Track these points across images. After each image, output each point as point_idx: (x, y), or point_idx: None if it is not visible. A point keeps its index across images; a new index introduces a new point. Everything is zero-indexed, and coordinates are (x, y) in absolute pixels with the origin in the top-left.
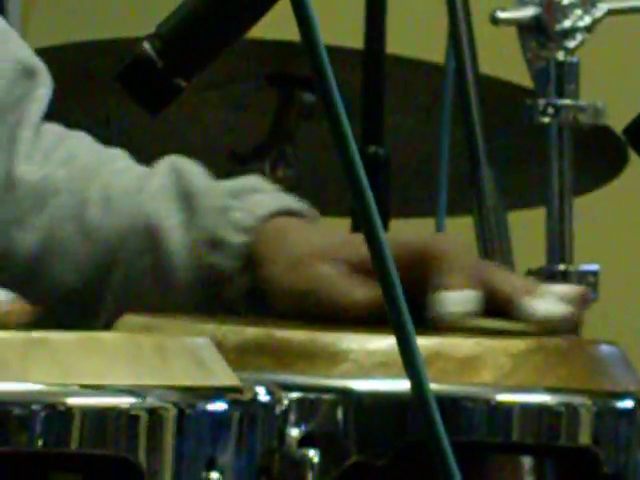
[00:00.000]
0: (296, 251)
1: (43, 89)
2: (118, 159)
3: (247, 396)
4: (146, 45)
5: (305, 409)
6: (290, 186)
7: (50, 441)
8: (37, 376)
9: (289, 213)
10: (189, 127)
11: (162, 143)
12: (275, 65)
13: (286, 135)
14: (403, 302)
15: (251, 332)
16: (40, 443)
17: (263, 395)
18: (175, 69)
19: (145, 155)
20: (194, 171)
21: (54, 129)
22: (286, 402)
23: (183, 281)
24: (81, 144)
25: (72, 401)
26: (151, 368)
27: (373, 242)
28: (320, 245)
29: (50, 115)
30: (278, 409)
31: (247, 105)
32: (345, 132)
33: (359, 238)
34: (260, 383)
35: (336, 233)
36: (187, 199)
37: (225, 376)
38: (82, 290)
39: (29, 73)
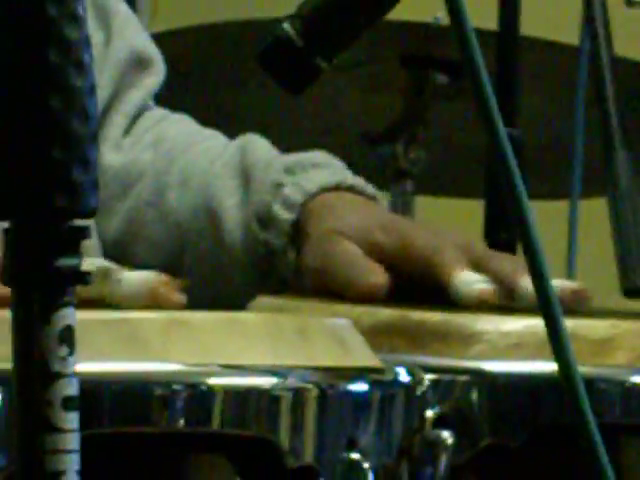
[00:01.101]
0: (325, 227)
1: (152, 78)
2: (207, 140)
3: (388, 377)
4: (287, 26)
5: (439, 390)
6: (422, 168)
7: (192, 421)
8: (178, 356)
9: (344, 189)
10: (322, 108)
11: (295, 124)
12: (409, 46)
13: (419, 117)
14: (550, 282)
15: (385, 314)
16: (182, 423)
17: (404, 376)
18: (315, 50)
19: (280, 136)
20: (259, 146)
21: (155, 113)
22: (426, 383)
23: (239, 260)
24: (174, 126)
25: (214, 381)
26: (292, 348)
27: (521, 222)
28: (349, 222)
29: (163, 103)
30: (418, 390)
31: (380, 86)
32: (493, 115)
33: (401, 223)
34: (401, 364)
35: (381, 214)
36: (246, 175)
37: (366, 357)
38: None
39: (142, 62)
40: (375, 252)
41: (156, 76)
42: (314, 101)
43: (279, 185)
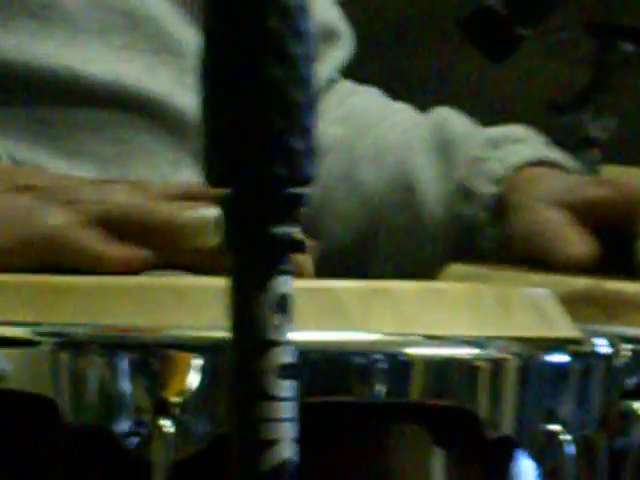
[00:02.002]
0: (528, 197)
1: (339, 51)
2: (397, 114)
3: (588, 348)
4: None
5: (637, 361)
6: (609, 136)
7: (390, 392)
8: (378, 326)
9: (545, 164)
10: (508, 76)
11: (479, 91)
12: (595, 14)
13: (607, 85)
14: None
15: (581, 283)
16: (380, 393)
17: (603, 347)
18: (518, 18)
19: (463, 103)
20: (456, 120)
21: (343, 87)
22: (628, 354)
23: (439, 234)
24: (363, 100)
25: (413, 351)
26: (493, 318)
27: None
28: (554, 190)
29: (349, 76)
30: (618, 361)
31: (567, 54)
32: None
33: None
34: (599, 334)
35: (579, 181)
36: (445, 150)
37: (566, 328)
38: (352, 247)
39: (329, 35)
40: (586, 212)
41: (343, 49)
42: (499, 69)
43: (481, 159)
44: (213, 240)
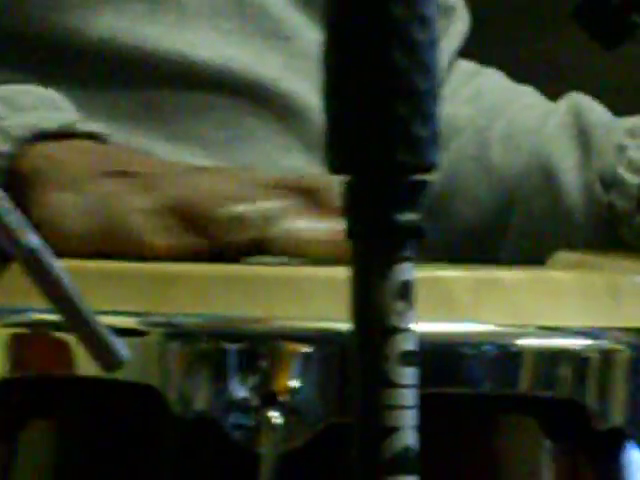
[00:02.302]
0: None
1: (458, 26)
2: (525, 96)
3: None
4: None
5: None
6: None
7: (500, 383)
8: (489, 316)
9: None
10: (620, 65)
11: (592, 80)
12: None
13: None
14: None
15: None
16: (491, 385)
17: None
18: (631, 5)
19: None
20: (593, 108)
21: (466, 66)
22: None
23: (579, 221)
24: (490, 81)
25: (523, 342)
26: (604, 308)
27: None
28: None
29: (465, 52)
30: None
31: None
32: None
33: None
34: None
35: None
36: (584, 137)
37: None
38: (481, 229)
39: (445, 10)
40: None
41: (461, 24)
42: (612, 57)
43: (623, 147)
44: (245, 235)
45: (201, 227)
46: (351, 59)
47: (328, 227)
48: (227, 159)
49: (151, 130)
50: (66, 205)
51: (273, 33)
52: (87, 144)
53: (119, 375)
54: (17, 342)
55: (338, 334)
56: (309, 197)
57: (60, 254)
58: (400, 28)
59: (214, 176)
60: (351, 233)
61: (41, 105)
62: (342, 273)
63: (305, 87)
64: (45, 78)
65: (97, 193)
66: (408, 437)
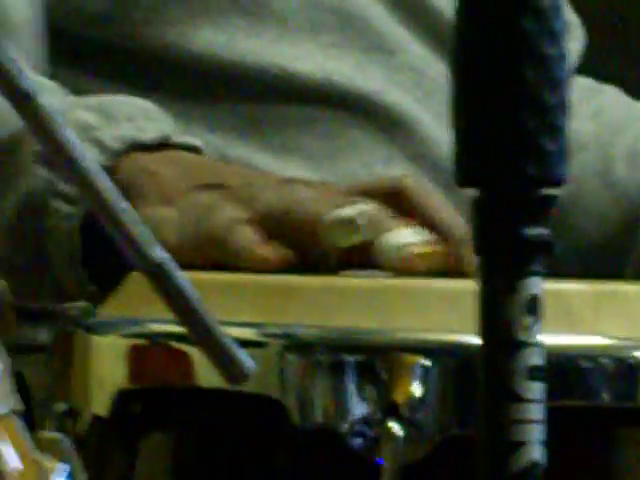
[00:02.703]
0: None
1: (575, 43)
2: None
3: None
4: None
5: None
6: None
7: (619, 395)
8: (608, 329)
9: None
10: None
11: None
12: None
13: None
14: None
15: None
16: (609, 398)
17: None
18: None
19: None
20: None
21: (584, 82)
22: None
23: None
24: (610, 98)
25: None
26: None
27: None
28: None
29: (583, 70)
30: None
31: None
32: None
33: None
34: None
35: None
36: None
37: None
38: (605, 245)
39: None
40: None
41: (578, 41)
42: None
43: None
44: (354, 239)
45: (305, 235)
46: (480, 73)
47: (426, 237)
48: (330, 171)
49: (253, 143)
50: (162, 219)
51: (375, 47)
52: (181, 155)
53: (240, 387)
54: (137, 353)
55: (457, 346)
56: (392, 201)
57: None
58: (530, 42)
59: (307, 187)
60: (479, 247)
61: (136, 116)
62: (459, 285)
63: (408, 100)
64: (143, 91)
65: (192, 206)
66: (535, 452)
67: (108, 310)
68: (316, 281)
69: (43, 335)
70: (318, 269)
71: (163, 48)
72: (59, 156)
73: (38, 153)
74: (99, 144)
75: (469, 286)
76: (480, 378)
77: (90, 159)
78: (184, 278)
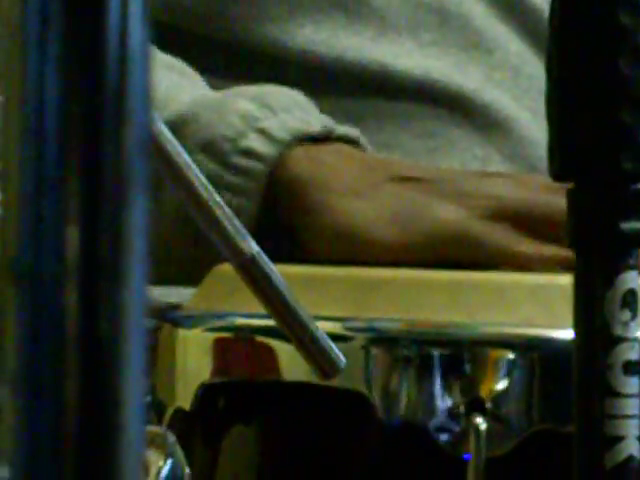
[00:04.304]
0: None
1: None
2: None
3: None
4: None
5: None
6: None
7: None
8: None
9: None
10: None
11: None
12: None
13: None
14: None
15: None
16: None
17: None
18: None
19: None
20: None
21: None
22: None
23: None
24: None
25: None
26: None
27: None
28: None
29: None
30: None
31: None
32: None
33: None
34: None
35: None
36: None
37: None
38: None
39: None
40: None
41: None
42: None
43: None
44: None
45: (551, 233)
46: (577, 67)
47: None
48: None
49: None
50: (359, 212)
51: (474, 45)
52: (349, 149)
53: (326, 381)
54: (222, 347)
55: (543, 340)
56: None
57: (357, 261)
58: (627, 36)
59: (506, 181)
60: (574, 241)
61: (295, 107)
62: (545, 279)
63: (506, 98)
64: (245, 85)
65: (393, 200)
66: (631, 447)
67: (193, 304)
68: (400, 274)
69: None
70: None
71: (264, 45)
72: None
73: (201, 142)
74: (266, 134)
75: (555, 280)
76: (575, 373)
77: (182, 151)
78: (276, 272)
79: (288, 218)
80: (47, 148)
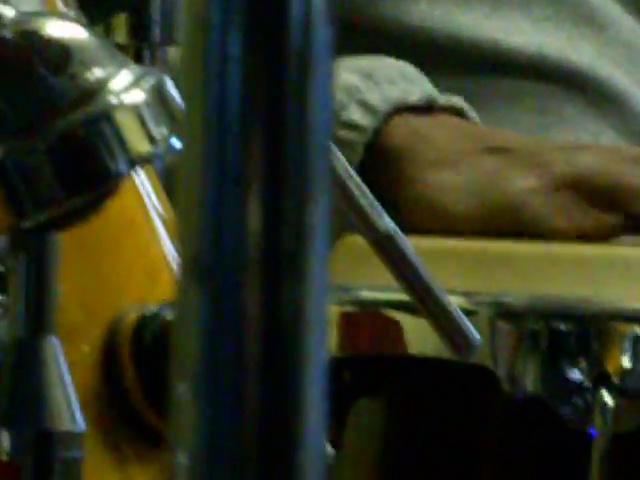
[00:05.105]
0: None
1: None
2: None
3: None
4: None
5: None
6: None
7: None
8: None
9: None
10: None
11: None
12: None
13: None
14: None
15: None
16: None
17: None
18: None
19: None
20: None
21: None
22: None
23: None
24: None
25: None
26: None
27: None
28: None
29: None
30: None
31: None
32: None
33: None
34: None
35: None
36: None
37: None
38: None
39: None
40: None
41: None
42: None
43: None
44: None
45: (612, 200)
46: None
47: None
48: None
49: None
50: (447, 184)
51: (587, 21)
52: (451, 119)
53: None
54: (347, 321)
55: None
56: None
57: (436, 232)
58: None
59: (600, 152)
60: None
61: (397, 78)
62: None
63: (619, 74)
64: None
65: (478, 171)
66: None
67: None
68: (523, 249)
69: None
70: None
71: (379, 21)
72: None
73: None
74: (366, 106)
75: None
76: None
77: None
78: (411, 249)
79: (388, 190)
80: (228, 146)
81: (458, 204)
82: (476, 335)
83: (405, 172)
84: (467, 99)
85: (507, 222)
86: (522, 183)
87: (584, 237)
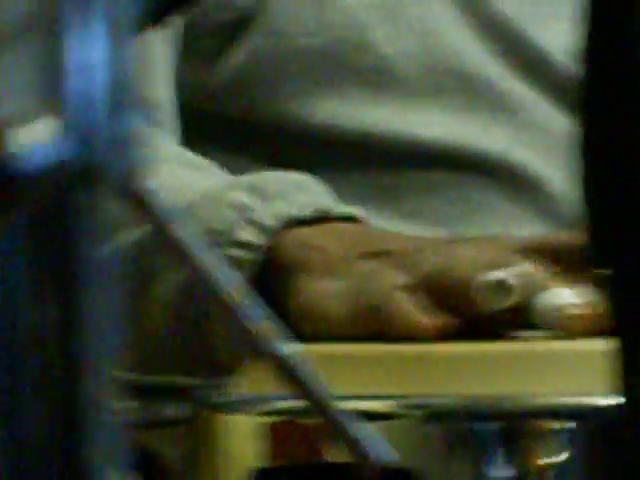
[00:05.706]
0: None
1: None
2: None
3: None
4: None
5: None
6: None
7: None
8: None
9: None
10: None
11: None
12: None
13: None
14: None
15: None
16: None
17: None
18: None
19: None
20: None
21: None
22: None
23: None
24: None
25: None
26: None
27: None
28: None
29: None
30: None
31: None
32: None
33: None
34: None
35: None
36: None
37: None
38: None
39: None
40: None
41: None
42: None
43: None
44: (507, 301)
45: (459, 298)
46: (606, 145)
47: (588, 297)
48: (460, 234)
49: (381, 209)
50: (329, 291)
51: (499, 107)
52: (342, 226)
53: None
54: (274, 431)
55: (599, 409)
56: (558, 259)
57: (320, 339)
58: None
59: (469, 245)
60: (615, 328)
61: (289, 191)
62: (594, 346)
63: (532, 157)
64: (264, 164)
65: (356, 276)
66: None
67: (237, 388)
68: (448, 349)
69: (170, 410)
70: (480, 333)
71: (284, 120)
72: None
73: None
74: (256, 224)
75: (599, 346)
76: (625, 441)
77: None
78: (297, 356)
79: (280, 303)
80: None
81: (339, 309)
82: (379, 452)
83: (295, 283)
84: (384, 192)
85: (372, 321)
86: (390, 281)
87: (439, 337)
